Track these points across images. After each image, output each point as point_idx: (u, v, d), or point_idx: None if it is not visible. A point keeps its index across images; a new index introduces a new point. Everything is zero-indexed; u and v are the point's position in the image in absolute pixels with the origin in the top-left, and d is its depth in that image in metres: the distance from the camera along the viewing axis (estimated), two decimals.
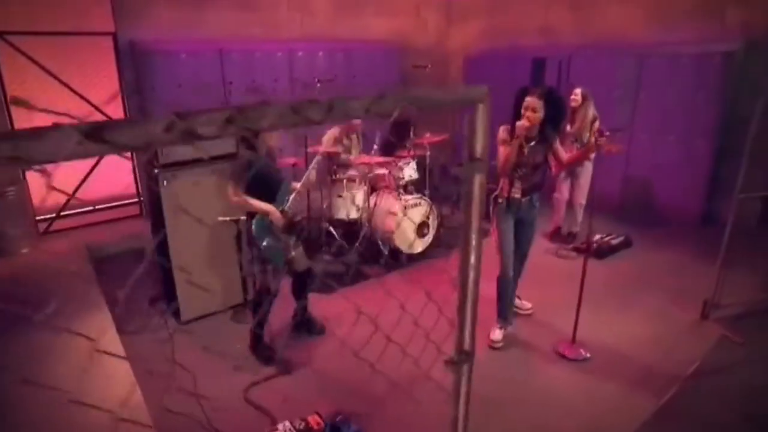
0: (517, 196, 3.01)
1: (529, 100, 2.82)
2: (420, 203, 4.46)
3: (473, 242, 0.95)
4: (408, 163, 4.56)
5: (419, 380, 2.83)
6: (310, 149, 4.62)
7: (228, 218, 3.15)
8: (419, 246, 4.50)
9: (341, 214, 4.67)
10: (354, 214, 4.61)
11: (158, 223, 3.23)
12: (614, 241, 4.62)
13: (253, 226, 2.79)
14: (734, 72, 4.67)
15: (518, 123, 2.78)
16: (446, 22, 7.59)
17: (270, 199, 2.78)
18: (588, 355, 3.08)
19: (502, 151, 2.90)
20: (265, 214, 2.76)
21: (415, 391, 2.76)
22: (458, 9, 7.46)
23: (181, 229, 3.23)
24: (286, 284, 3.27)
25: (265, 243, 2.80)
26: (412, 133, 4.83)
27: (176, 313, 3.37)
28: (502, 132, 2.90)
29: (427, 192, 4.79)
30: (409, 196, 4.41)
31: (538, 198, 3.05)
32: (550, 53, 6.05)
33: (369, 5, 6.64)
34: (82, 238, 4.62)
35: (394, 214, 4.29)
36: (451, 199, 5.62)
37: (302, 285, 3.26)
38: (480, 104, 0.85)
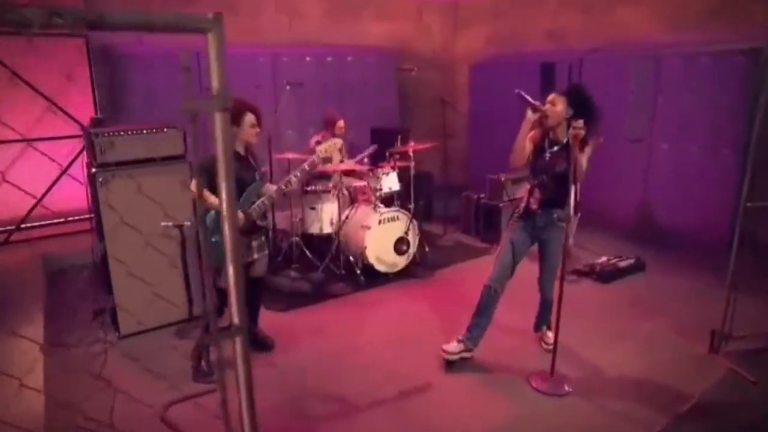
0: (534, 207, 2.92)
1: (551, 95, 2.80)
2: (398, 217, 4.42)
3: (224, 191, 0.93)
4: (387, 174, 4.53)
5: (361, 404, 2.75)
6: (279, 155, 4.66)
7: (171, 223, 3.19)
8: (397, 264, 4.43)
9: (314, 228, 4.68)
10: (328, 229, 4.61)
11: (100, 229, 3.30)
12: (622, 264, 4.45)
13: (208, 220, 2.84)
14: (762, 72, 4.49)
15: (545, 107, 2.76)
16: (452, 27, 7.67)
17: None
18: (569, 389, 2.91)
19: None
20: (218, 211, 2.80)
21: (352, 415, 2.67)
22: (465, 13, 7.54)
23: (122, 235, 3.27)
24: None
25: (213, 239, 2.78)
26: (398, 143, 4.82)
27: (117, 327, 3.40)
28: (530, 114, 2.79)
29: (411, 206, 4.75)
30: (385, 209, 4.37)
31: (562, 216, 2.88)
32: (560, 58, 6.01)
33: (365, 8, 6.79)
34: (44, 248, 4.76)
35: (367, 227, 4.25)
36: (438, 215, 5.56)
37: (255, 294, 3.25)
38: (209, 33, 0.83)
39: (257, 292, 3.27)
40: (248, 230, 2.94)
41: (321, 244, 4.68)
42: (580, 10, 6.00)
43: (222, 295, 2.90)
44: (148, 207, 2.99)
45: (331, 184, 4.59)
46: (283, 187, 2.99)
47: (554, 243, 2.94)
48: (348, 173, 5.25)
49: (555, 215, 2.90)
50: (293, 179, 2.99)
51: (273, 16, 6.09)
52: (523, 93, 2.74)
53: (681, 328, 3.52)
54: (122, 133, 3.16)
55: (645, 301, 3.95)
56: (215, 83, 0.86)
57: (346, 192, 4.92)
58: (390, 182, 4.58)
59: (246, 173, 2.94)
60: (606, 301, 3.97)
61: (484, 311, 3.03)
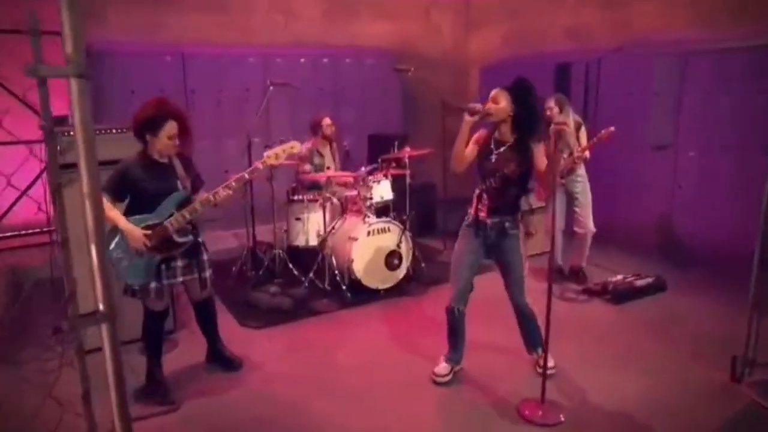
0: (482, 215, 2.91)
1: (494, 91, 2.83)
2: (389, 228, 4.44)
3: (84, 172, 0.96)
4: (379, 182, 4.57)
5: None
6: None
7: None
8: (388, 279, 4.43)
9: (299, 241, 4.73)
10: (314, 241, 4.65)
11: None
12: (639, 283, 4.37)
13: (109, 236, 2.80)
14: None
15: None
16: (464, 26, 7.76)
17: (146, 209, 2.81)
18: (563, 418, 2.84)
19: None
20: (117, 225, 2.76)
21: None
22: (478, 11, 7.62)
23: (83, 243, 3.35)
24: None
25: (114, 255, 2.79)
26: (395, 149, 4.87)
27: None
28: (467, 116, 2.85)
29: (406, 216, 4.76)
30: (375, 220, 4.39)
31: (513, 227, 2.93)
32: (577, 57, 6.02)
33: (366, 7, 6.94)
34: (9, 261, 4.91)
35: (354, 239, 4.27)
36: (441, 229, 5.54)
37: (204, 317, 3.28)
38: None
39: (204, 317, 3.28)
40: (165, 246, 2.84)
41: (307, 257, 4.72)
42: (600, 6, 6.02)
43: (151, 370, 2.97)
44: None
45: (320, 193, 4.64)
46: (211, 198, 2.83)
47: (511, 253, 2.94)
48: (341, 182, 5.32)
49: (506, 224, 2.90)
50: (222, 191, 2.84)
51: (266, 15, 6.27)
52: (448, 101, 2.83)
53: (699, 353, 3.43)
54: None
55: (661, 324, 3.87)
56: (68, 47, 0.89)
57: (336, 201, 4.97)
58: (382, 191, 4.62)
59: (159, 182, 2.83)
60: (617, 323, 3.91)
61: (455, 332, 3.12)
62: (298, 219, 4.72)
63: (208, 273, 3.08)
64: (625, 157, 5.46)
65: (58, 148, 3.09)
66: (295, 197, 4.75)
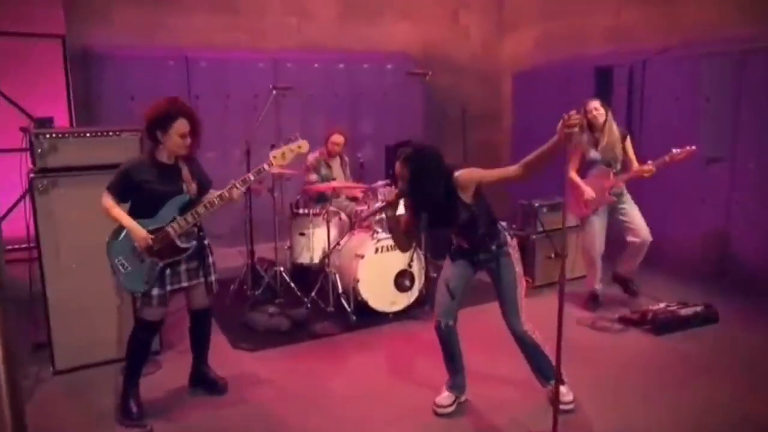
0: (466, 247, 3.02)
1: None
2: None
3: None
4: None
5: None
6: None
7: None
8: (397, 302, 4.44)
9: (304, 258, 4.78)
10: (319, 258, 4.68)
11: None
12: (685, 312, 4.24)
13: (120, 237, 2.95)
14: None
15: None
16: (495, 29, 7.80)
17: (150, 212, 2.95)
18: None
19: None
20: (125, 227, 2.92)
21: None
22: (511, 13, 7.66)
23: (63, 255, 3.47)
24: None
25: (116, 261, 2.93)
26: None
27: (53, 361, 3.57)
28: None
29: (421, 233, 4.74)
30: (385, 236, 4.41)
31: (502, 244, 2.99)
32: (619, 60, 5.99)
33: (387, 8, 7.07)
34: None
35: (361, 257, 4.29)
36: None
37: (200, 328, 3.34)
38: None
39: (201, 328, 3.33)
40: (168, 251, 2.94)
41: (312, 276, 4.76)
42: (644, 3, 5.98)
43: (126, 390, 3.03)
44: (95, 222, 3.06)
45: (329, 207, 4.71)
46: (216, 201, 2.95)
47: (504, 270, 2.97)
48: (351, 196, 5.37)
49: (493, 246, 2.95)
50: (226, 194, 2.97)
51: (279, 17, 6.46)
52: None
53: (752, 396, 3.27)
54: (68, 134, 3.40)
55: (709, 359, 3.73)
56: None
57: (345, 217, 5.02)
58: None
59: (165, 185, 2.95)
60: (655, 356, 3.79)
61: (449, 353, 3.14)
62: (302, 234, 4.78)
63: (214, 277, 3.19)
64: (673, 170, 5.33)
65: (40, 150, 3.25)
66: (300, 211, 4.81)
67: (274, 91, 4.72)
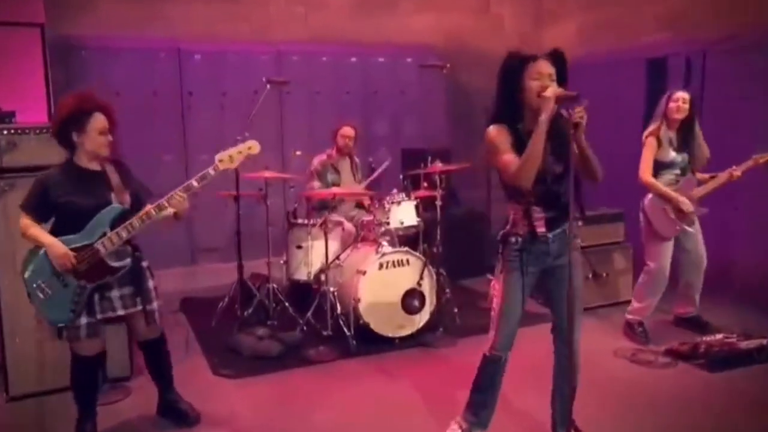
0: (542, 230, 2.80)
1: (540, 64, 2.70)
2: (407, 261, 4.42)
3: None
4: (399, 204, 4.57)
5: None
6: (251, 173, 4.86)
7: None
8: (405, 325, 4.40)
9: (301, 274, 4.79)
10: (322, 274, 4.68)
11: None
12: (746, 345, 4.11)
13: (27, 259, 2.91)
14: None
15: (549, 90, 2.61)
16: (533, 18, 7.74)
17: (74, 228, 2.88)
18: None
19: (506, 157, 2.67)
20: (41, 246, 2.84)
21: None
22: (551, 1, 7.60)
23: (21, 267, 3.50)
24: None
25: (34, 284, 2.87)
26: (428, 164, 4.87)
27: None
28: (495, 133, 2.72)
29: (438, 248, 4.71)
30: (390, 249, 4.38)
31: (575, 237, 2.83)
32: (674, 50, 5.93)
33: None
34: None
35: (362, 273, 4.26)
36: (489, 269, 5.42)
37: (152, 360, 3.31)
38: None
39: (155, 360, 3.30)
40: (97, 272, 2.88)
41: (309, 294, 4.76)
42: None
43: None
44: None
45: (334, 217, 4.74)
46: (153, 212, 2.87)
47: (576, 268, 2.81)
48: (361, 204, 5.36)
49: (568, 232, 2.73)
50: (164, 203, 2.88)
51: (284, 5, 6.53)
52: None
53: None
54: (28, 131, 3.46)
55: None
56: None
57: (350, 227, 5.01)
58: (403, 215, 4.60)
59: (89, 196, 2.88)
60: (708, 397, 3.66)
61: (488, 387, 2.97)
62: (299, 247, 4.78)
63: (155, 305, 3.13)
64: (740, 180, 5.21)
65: None
66: (297, 221, 4.81)
67: (269, 86, 4.76)
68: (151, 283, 3.12)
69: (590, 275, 4.93)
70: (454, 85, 6.89)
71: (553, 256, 2.80)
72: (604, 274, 4.97)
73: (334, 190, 4.64)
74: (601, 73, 6.56)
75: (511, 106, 2.73)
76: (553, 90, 2.60)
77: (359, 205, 5.40)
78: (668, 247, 4.30)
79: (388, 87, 6.79)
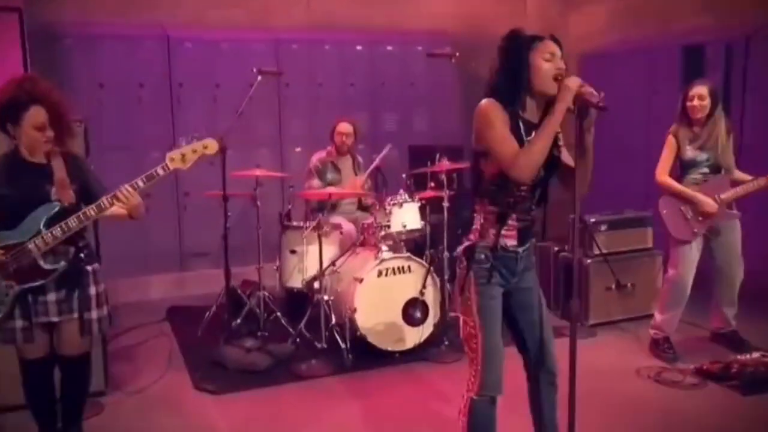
0: (513, 243, 2.75)
1: (551, 44, 2.54)
2: (409, 267, 4.43)
3: None
4: (400, 205, 4.57)
5: None
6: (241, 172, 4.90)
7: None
8: (406, 338, 4.40)
9: (295, 281, 4.81)
10: (315, 281, 4.68)
11: None
12: None
13: None
14: None
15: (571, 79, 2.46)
16: (560, 3, 7.70)
17: (9, 224, 2.87)
18: None
19: (507, 145, 2.49)
20: None
21: None
22: None
23: None
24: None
25: None
26: (435, 162, 4.86)
27: None
28: (492, 106, 2.54)
29: (444, 253, 4.70)
30: (390, 255, 4.38)
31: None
32: (713, 36, 5.93)
33: None
34: None
35: (359, 281, 4.27)
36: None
37: (67, 382, 3.17)
38: None
39: (69, 382, 3.15)
40: (28, 273, 2.86)
41: (305, 303, 4.77)
42: None
43: None
44: None
45: (333, 219, 4.74)
46: (91, 212, 2.86)
47: (536, 290, 2.75)
48: (365, 205, 5.37)
49: (531, 249, 2.72)
50: (105, 202, 2.87)
51: None
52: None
53: None
54: None
55: None
56: None
57: (353, 230, 5.02)
58: (405, 217, 4.60)
59: (28, 188, 2.88)
60: (741, 422, 3.61)
61: None
62: (293, 252, 4.80)
63: (95, 314, 3.06)
64: None
65: None
66: (291, 223, 4.82)
67: (260, 77, 4.79)
68: (93, 290, 3.06)
69: (613, 285, 4.89)
70: (470, 77, 6.85)
71: (518, 276, 2.68)
72: (628, 285, 4.92)
73: (330, 189, 4.65)
74: (634, 61, 6.62)
75: (512, 87, 2.56)
76: (577, 81, 2.42)
77: (363, 207, 5.41)
78: (689, 253, 4.25)
79: (396, 78, 6.80)
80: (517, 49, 2.55)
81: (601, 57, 7.10)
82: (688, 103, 4.18)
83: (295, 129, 6.50)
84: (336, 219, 5.09)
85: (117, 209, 2.93)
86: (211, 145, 3.01)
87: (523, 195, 2.59)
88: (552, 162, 2.59)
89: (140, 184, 2.90)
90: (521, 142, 2.52)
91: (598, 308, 4.94)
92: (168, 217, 6.12)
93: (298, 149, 6.43)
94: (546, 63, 2.51)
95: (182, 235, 6.23)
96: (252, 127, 6.21)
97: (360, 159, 5.51)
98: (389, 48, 6.82)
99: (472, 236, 2.64)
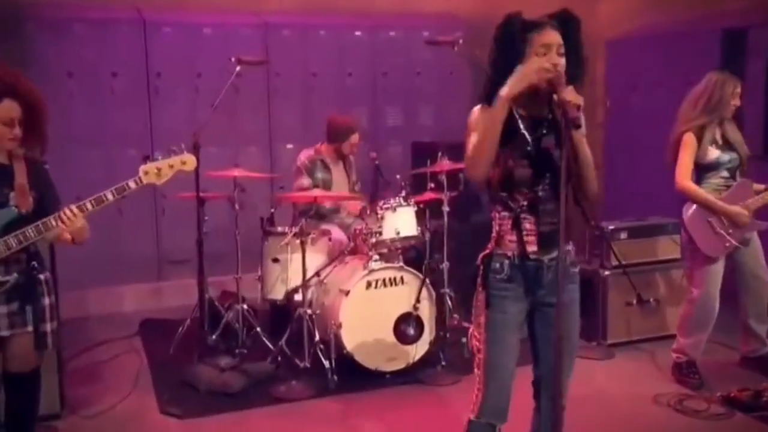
0: (533, 249, 2.73)
1: (547, 34, 2.62)
2: (401, 279, 4.44)
3: None
4: (394, 210, 4.57)
5: None
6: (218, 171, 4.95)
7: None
8: (398, 357, 4.41)
9: (277, 292, 4.84)
10: (297, 293, 4.70)
11: None
12: None
13: None
14: None
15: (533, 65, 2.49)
16: None
17: None
18: None
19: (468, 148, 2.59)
20: None
21: None
22: None
23: None
24: None
25: None
26: (437, 161, 4.87)
27: None
28: (478, 114, 2.60)
29: (443, 263, 4.68)
30: (380, 265, 4.40)
31: (574, 260, 2.72)
32: (757, 18, 5.87)
33: None
34: None
35: (345, 293, 4.28)
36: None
37: (15, 401, 3.19)
38: None
39: (18, 402, 3.18)
40: None
41: (289, 317, 4.77)
42: None
43: None
44: None
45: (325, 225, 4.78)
46: (51, 222, 2.89)
47: (572, 306, 2.67)
48: (356, 211, 5.37)
49: (567, 259, 2.57)
50: (66, 214, 2.89)
51: None
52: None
53: None
54: None
55: None
56: None
57: (343, 238, 5.03)
58: (399, 223, 4.58)
59: None
60: None
61: None
62: (275, 261, 4.81)
63: (49, 326, 3.09)
64: None
65: None
66: (274, 229, 4.85)
67: (238, 67, 4.81)
68: (47, 300, 3.10)
69: (634, 301, 4.86)
70: (482, 66, 6.85)
71: (546, 289, 2.63)
72: (651, 300, 4.88)
73: (315, 192, 4.67)
74: (669, 46, 6.57)
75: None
76: (575, 94, 2.39)
77: (356, 213, 5.39)
78: (716, 270, 4.21)
79: (400, 67, 6.79)
80: (509, 41, 2.54)
81: (630, 42, 7.10)
82: (732, 100, 4.11)
83: (286, 124, 6.52)
84: (327, 225, 5.11)
85: (61, 231, 2.94)
86: (190, 162, 3.11)
87: (540, 196, 2.57)
88: (544, 157, 2.58)
89: (108, 197, 2.97)
90: (525, 143, 2.54)
91: (617, 326, 4.93)
92: (144, 220, 6.16)
93: (289, 146, 6.47)
94: (538, 58, 2.49)
95: (160, 240, 6.26)
96: (238, 121, 6.24)
97: (351, 158, 5.51)
98: (392, 33, 6.80)
99: (490, 244, 2.65)
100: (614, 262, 4.92)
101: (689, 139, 4.11)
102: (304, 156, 5.34)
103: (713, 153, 4.15)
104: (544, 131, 2.59)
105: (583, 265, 5.09)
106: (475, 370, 2.67)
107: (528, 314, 2.71)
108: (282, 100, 6.48)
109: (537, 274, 2.61)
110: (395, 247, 4.70)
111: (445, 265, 4.83)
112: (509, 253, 2.59)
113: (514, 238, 2.58)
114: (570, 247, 2.65)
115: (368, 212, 4.72)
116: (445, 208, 4.78)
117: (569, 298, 2.64)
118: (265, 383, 4.28)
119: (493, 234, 2.64)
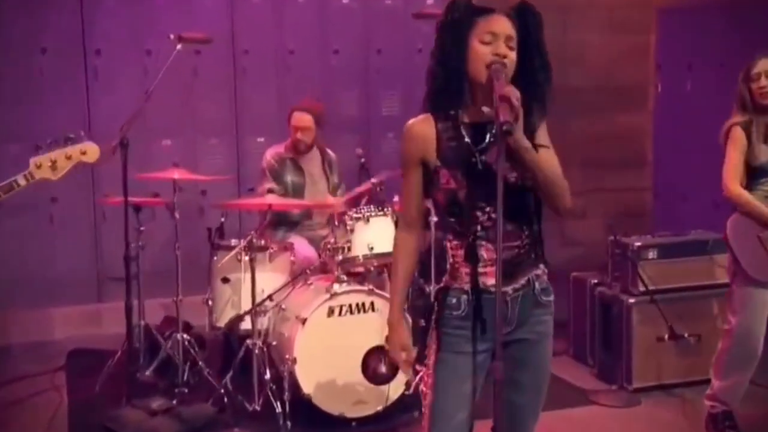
0: (492, 282, 2.80)
1: (495, 20, 2.70)
2: (372, 304, 4.47)
3: None
4: (367, 219, 4.64)
5: None
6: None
7: None
8: (366, 401, 4.44)
9: (225, 319, 4.91)
10: (243, 321, 4.79)
11: None
12: None
13: None
14: None
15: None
16: None
17: None
18: None
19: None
20: None
21: None
22: None
23: None
24: None
25: None
26: None
27: None
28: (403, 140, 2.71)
29: (430, 286, 4.73)
30: (344, 288, 4.45)
31: (549, 286, 2.75)
32: None
33: None
34: None
35: (302, 322, 4.34)
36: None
37: None
38: None
39: None
40: None
41: (236, 348, 4.87)
42: None
43: None
44: None
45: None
46: None
47: (544, 341, 2.75)
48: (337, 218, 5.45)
49: (537, 286, 2.69)
50: None
51: None
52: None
53: None
54: None
55: None
56: None
57: (311, 252, 5.10)
58: (372, 236, 4.62)
59: None
60: None
61: None
62: (225, 281, 4.88)
63: None
64: None
65: None
66: (222, 242, 4.93)
67: (179, 45, 4.88)
68: None
69: (666, 336, 4.85)
70: None
71: (512, 325, 2.69)
72: (687, 335, 4.87)
73: (270, 198, 4.72)
74: (731, 13, 6.58)
75: (447, 81, 2.59)
76: (511, 87, 2.43)
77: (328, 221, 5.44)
78: (761, 298, 4.19)
79: (398, 44, 6.87)
80: (451, 25, 2.58)
81: (685, 10, 7.14)
82: (753, 85, 4.13)
83: (256, 112, 6.61)
84: (294, 238, 5.17)
85: None
86: (91, 151, 3.17)
87: (494, 217, 2.54)
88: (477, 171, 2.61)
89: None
90: (470, 155, 2.57)
91: (645, 366, 4.92)
92: (81, 229, 6.28)
93: (260, 139, 6.52)
94: (482, 46, 2.53)
95: (100, 253, 6.36)
96: (196, 109, 6.33)
97: (332, 154, 5.57)
98: (388, 2, 6.88)
99: (445, 277, 2.71)
100: (641, 288, 4.92)
101: (737, 134, 4.11)
102: (270, 154, 5.40)
103: (765, 153, 4.16)
104: (491, 138, 2.61)
105: (602, 288, 5.19)
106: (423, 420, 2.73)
107: (492, 355, 2.77)
108: (251, 83, 6.58)
109: (498, 310, 2.60)
110: (370, 266, 4.76)
111: (432, 289, 4.85)
112: (466, 287, 2.64)
113: (469, 270, 2.63)
114: (540, 270, 2.70)
115: (336, 222, 4.75)
116: (433, 218, 4.79)
117: (540, 332, 2.71)
118: (203, 430, 4.33)
119: (447, 266, 2.70)
